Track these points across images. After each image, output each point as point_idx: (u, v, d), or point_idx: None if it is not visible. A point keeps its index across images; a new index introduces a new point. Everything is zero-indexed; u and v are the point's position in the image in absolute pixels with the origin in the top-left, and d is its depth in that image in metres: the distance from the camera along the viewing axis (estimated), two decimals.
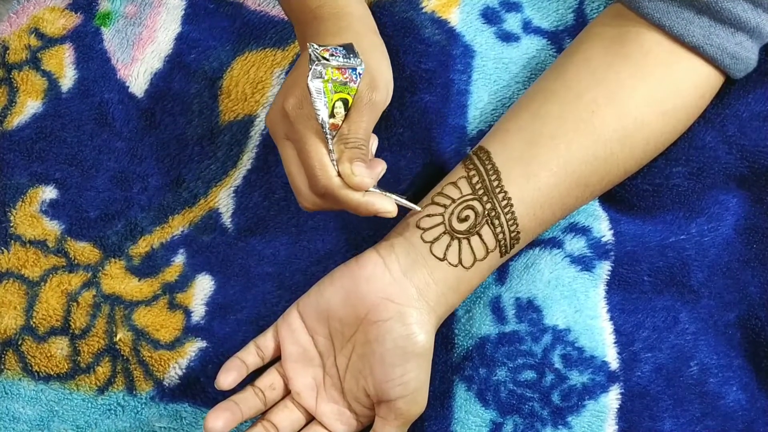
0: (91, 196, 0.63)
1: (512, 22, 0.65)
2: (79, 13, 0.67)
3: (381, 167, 0.51)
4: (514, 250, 0.56)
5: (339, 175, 0.50)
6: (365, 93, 0.50)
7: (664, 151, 0.59)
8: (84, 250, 0.61)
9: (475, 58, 0.64)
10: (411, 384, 0.53)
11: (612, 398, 0.55)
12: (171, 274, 0.61)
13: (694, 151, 0.59)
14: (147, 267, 0.61)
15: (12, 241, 0.61)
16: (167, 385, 0.58)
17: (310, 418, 0.56)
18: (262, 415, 0.56)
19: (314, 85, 0.48)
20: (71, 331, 0.59)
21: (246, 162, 0.63)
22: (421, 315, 0.53)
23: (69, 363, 0.59)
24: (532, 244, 0.58)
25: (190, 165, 0.64)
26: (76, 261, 0.61)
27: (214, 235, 0.62)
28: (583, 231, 0.59)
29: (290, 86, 0.51)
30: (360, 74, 0.49)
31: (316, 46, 0.49)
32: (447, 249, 0.54)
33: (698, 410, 0.56)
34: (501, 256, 0.55)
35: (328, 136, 0.49)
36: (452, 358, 0.57)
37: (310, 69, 0.48)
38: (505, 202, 0.54)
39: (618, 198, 0.60)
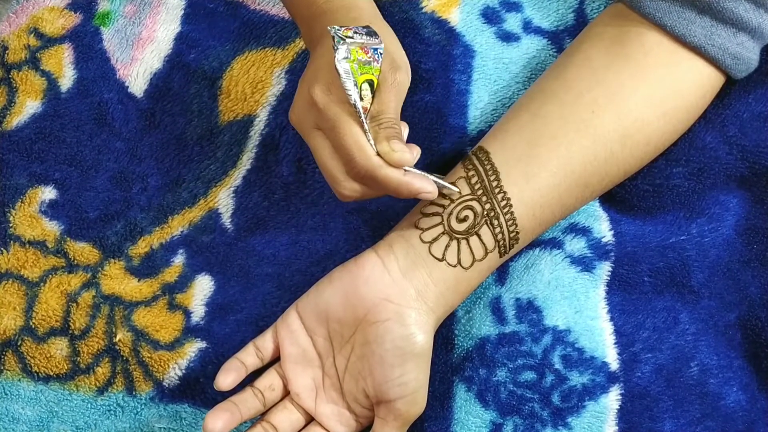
0: (91, 197, 0.63)
1: (512, 22, 0.65)
2: (78, 13, 0.67)
3: (417, 150, 0.51)
4: (514, 251, 0.56)
5: (378, 155, 0.49)
6: (389, 74, 0.50)
7: (665, 152, 0.59)
8: (83, 251, 0.61)
9: (476, 58, 0.64)
10: (410, 384, 0.52)
11: (612, 399, 0.55)
12: (171, 274, 0.61)
13: (694, 151, 0.59)
14: (146, 267, 0.61)
15: (11, 242, 0.61)
16: (167, 385, 0.58)
17: (310, 419, 0.56)
18: (261, 416, 0.56)
19: (342, 66, 0.47)
20: (71, 331, 0.59)
21: (246, 162, 0.63)
22: (419, 315, 0.53)
23: (68, 364, 0.59)
24: (532, 245, 0.58)
25: (190, 165, 0.63)
26: (75, 261, 0.61)
27: (213, 235, 0.62)
28: (583, 231, 0.59)
29: (312, 77, 0.51)
30: (381, 54, 0.49)
31: (337, 27, 0.48)
32: (446, 249, 0.54)
33: (698, 411, 0.56)
34: (500, 257, 0.55)
35: (363, 117, 0.48)
36: (452, 358, 0.57)
37: (336, 50, 0.47)
38: (504, 202, 0.54)
39: (618, 198, 0.60)
